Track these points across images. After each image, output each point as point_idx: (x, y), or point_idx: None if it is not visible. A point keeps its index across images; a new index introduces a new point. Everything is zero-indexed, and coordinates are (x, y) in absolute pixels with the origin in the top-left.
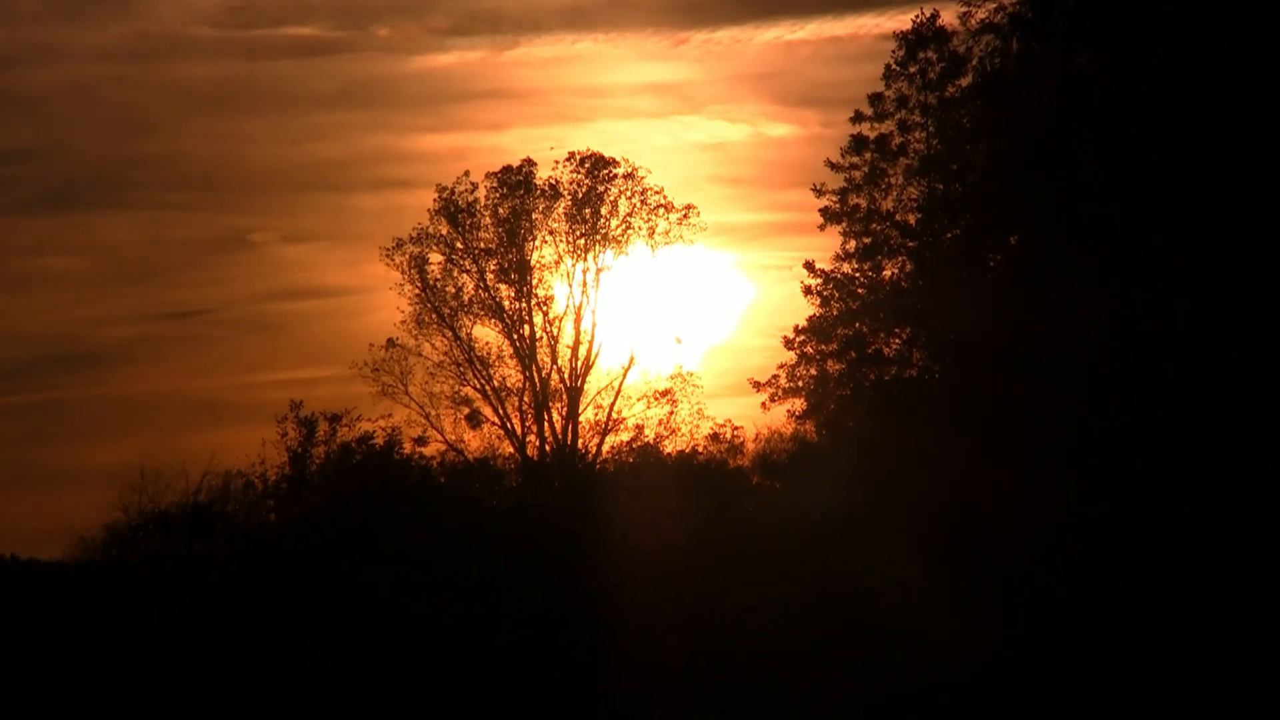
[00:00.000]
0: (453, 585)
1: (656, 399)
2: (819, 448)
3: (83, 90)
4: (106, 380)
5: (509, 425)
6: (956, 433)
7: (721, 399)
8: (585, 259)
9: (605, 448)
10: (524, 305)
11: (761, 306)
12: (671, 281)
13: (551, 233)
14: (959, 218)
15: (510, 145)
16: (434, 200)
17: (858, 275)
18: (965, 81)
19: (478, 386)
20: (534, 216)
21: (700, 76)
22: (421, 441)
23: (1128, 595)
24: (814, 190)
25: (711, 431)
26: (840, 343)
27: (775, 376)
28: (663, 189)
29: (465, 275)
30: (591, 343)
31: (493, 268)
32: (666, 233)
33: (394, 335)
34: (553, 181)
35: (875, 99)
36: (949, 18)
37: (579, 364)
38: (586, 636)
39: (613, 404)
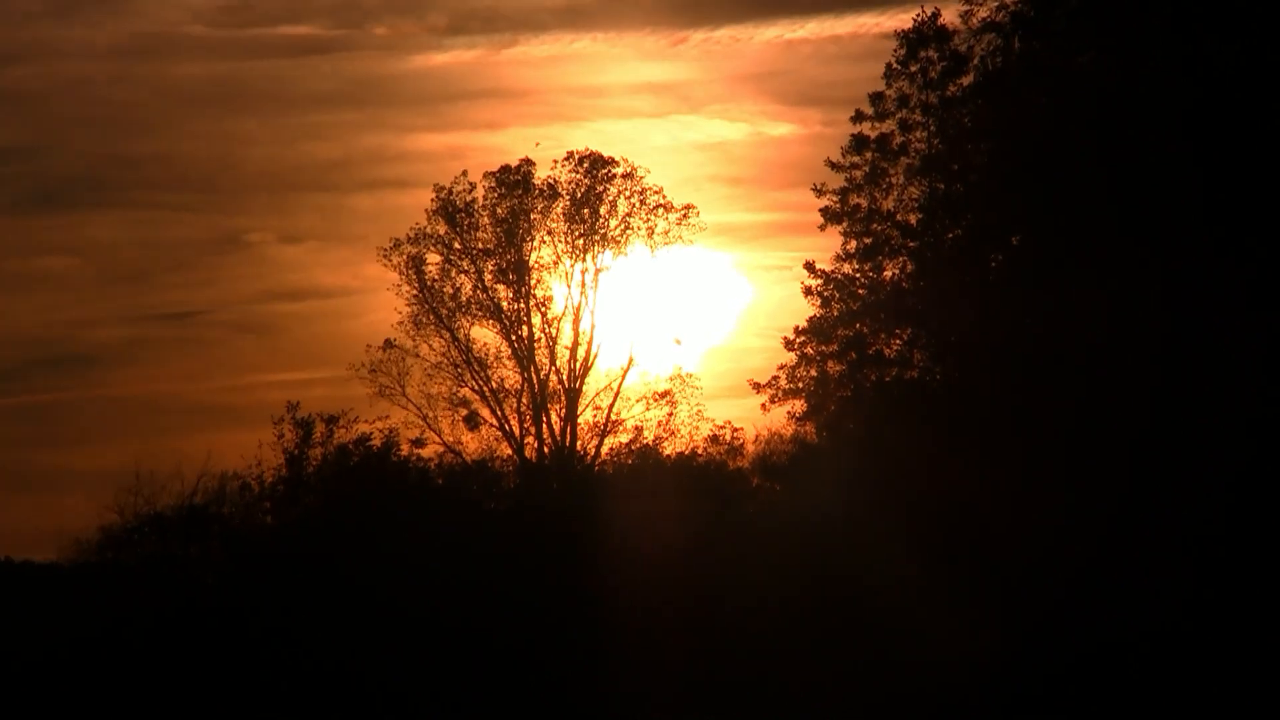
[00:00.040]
0: (450, 588)
1: (656, 400)
2: (819, 449)
3: (77, 89)
4: (101, 382)
5: (507, 427)
6: (957, 434)
7: (721, 400)
8: (584, 259)
9: (604, 449)
10: (522, 306)
11: (761, 307)
12: (671, 282)
13: (550, 233)
14: (960, 218)
15: (508, 145)
16: (431, 200)
17: (858, 276)
18: (967, 80)
19: (476, 388)
20: (532, 216)
21: (699, 75)
22: (419, 443)
23: (1126, 596)
24: (814, 190)
25: (711, 433)
26: (841, 344)
27: (775, 378)
28: (662, 189)
29: (463, 276)
30: (590, 344)
31: (491, 268)
32: (666, 233)
33: (391, 336)
34: (551, 181)
35: (876, 98)
36: (950, 16)
37: (577, 365)
38: (585, 639)
39: (611, 405)
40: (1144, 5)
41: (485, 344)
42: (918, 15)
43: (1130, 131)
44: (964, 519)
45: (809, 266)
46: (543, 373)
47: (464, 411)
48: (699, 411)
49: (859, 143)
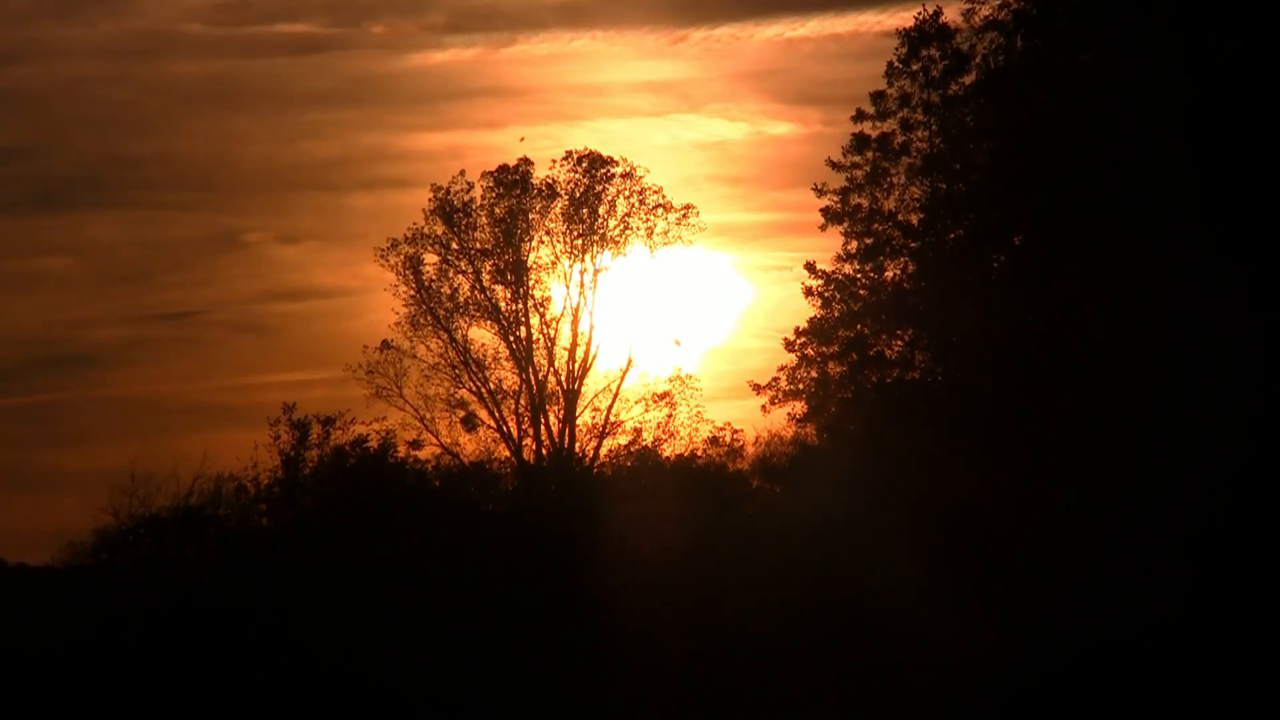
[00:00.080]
0: (448, 590)
1: (655, 402)
2: (820, 451)
3: (74, 88)
4: (97, 382)
5: (505, 428)
6: (959, 435)
7: (720, 401)
8: (583, 259)
9: (603, 451)
10: (520, 306)
11: (760, 308)
12: (670, 282)
13: (548, 233)
14: (962, 218)
15: (507, 144)
16: (429, 200)
17: (859, 276)
18: (968, 79)
19: (473, 389)
20: (531, 216)
21: (699, 74)
22: (416, 445)
23: (1128, 595)
24: (815, 190)
25: (711, 435)
26: (841, 344)
27: (775, 379)
28: (661, 189)
29: (461, 276)
30: (589, 345)
31: (489, 268)
32: (665, 233)
33: (389, 337)
34: (550, 181)
35: (877, 97)
36: (952, 15)
37: (576, 366)
38: (583, 642)
39: (610, 407)
40: (1146, 4)
41: (483, 345)
42: (919, 13)
43: (1132, 130)
44: (965, 520)
45: (809, 267)
46: (541, 374)
47: (461, 413)
48: (698, 413)
49: (860, 142)
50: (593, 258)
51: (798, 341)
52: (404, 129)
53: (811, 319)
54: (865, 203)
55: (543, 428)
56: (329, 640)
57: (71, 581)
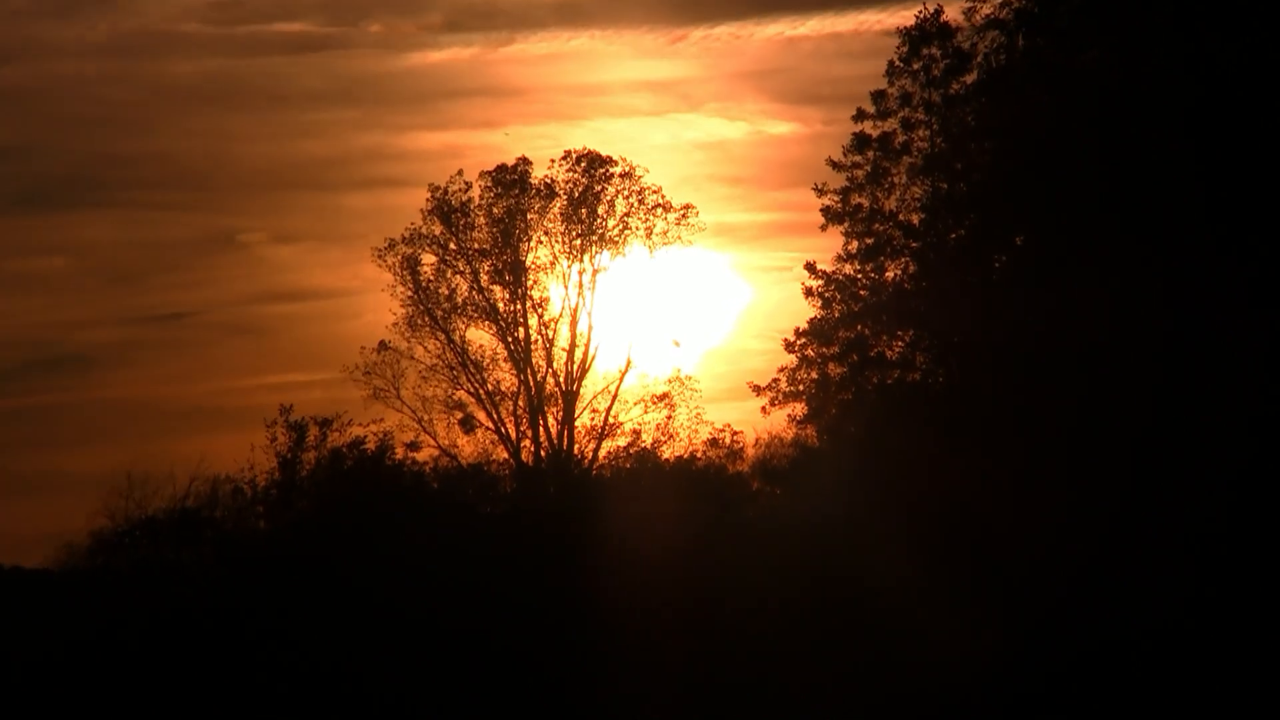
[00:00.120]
0: (446, 593)
1: (654, 403)
2: (820, 453)
3: (69, 87)
4: (91, 384)
5: (503, 430)
6: (959, 436)
7: (720, 403)
8: (581, 260)
9: (602, 453)
10: (519, 307)
11: (760, 308)
12: (669, 283)
13: (547, 233)
14: (963, 218)
15: (505, 144)
16: (427, 200)
17: (860, 277)
18: (970, 78)
19: (471, 390)
20: (529, 216)
21: (699, 73)
22: (414, 446)
23: (1127, 596)
24: (815, 190)
25: (710, 436)
26: (842, 345)
27: (775, 380)
28: (660, 188)
29: (459, 276)
30: (588, 346)
31: (487, 269)
32: (664, 233)
33: (386, 338)
34: (548, 181)
35: (878, 96)
36: (953, 13)
37: (575, 367)
38: (582, 645)
39: (609, 408)
40: (1145, 3)
41: (481, 346)
42: (920, 12)
43: (1132, 130)
44: (966, 520)
45: (810, 267)
46: (539, 375)
47: (459, 414)
48: (698, 414)
49: (861, 141)
50: (591, 258)
51: (798, 342)
52: (401, 128)
53: (812, 320)
54: (866, 203)
55: (541, 429)
56: (327, 643)
57: (67, 584)
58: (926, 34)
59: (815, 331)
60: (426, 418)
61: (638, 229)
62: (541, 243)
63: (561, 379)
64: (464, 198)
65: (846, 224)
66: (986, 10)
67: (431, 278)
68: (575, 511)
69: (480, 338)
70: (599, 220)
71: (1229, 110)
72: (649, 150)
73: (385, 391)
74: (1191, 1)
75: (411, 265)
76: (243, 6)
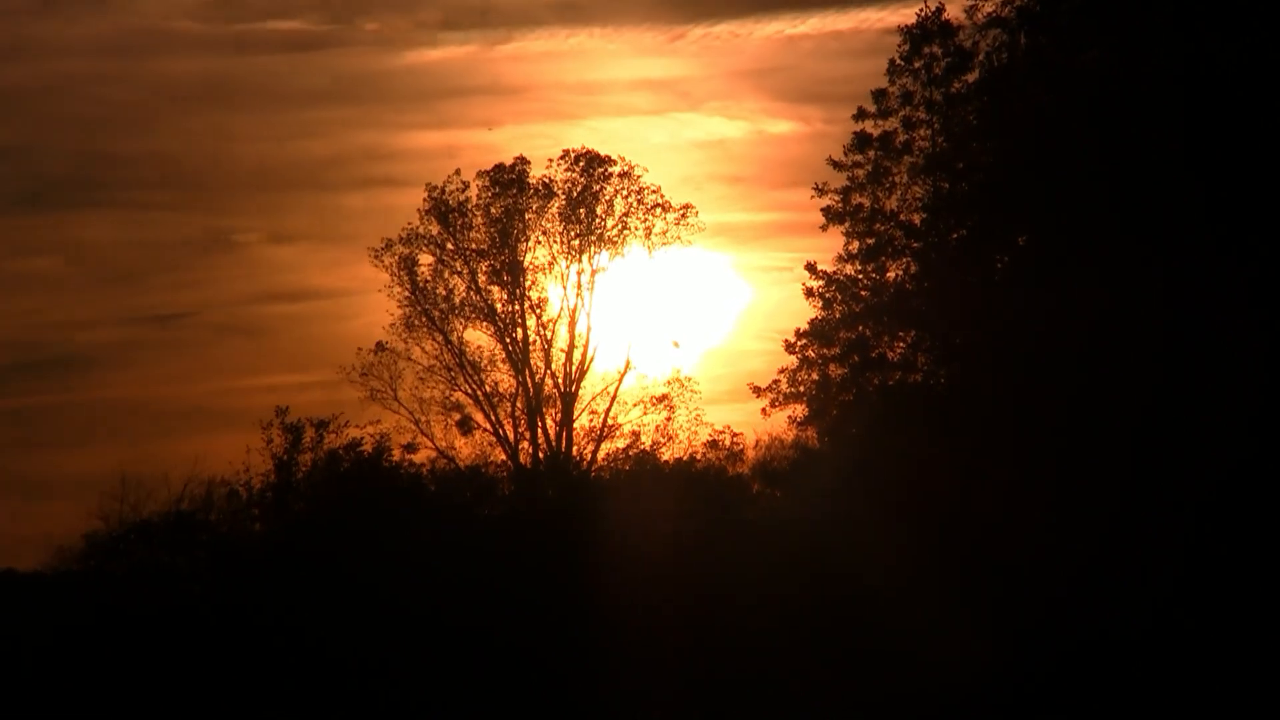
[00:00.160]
0: (444, 594)
1: (653, 404)
2: (820, 454)
3: (63, 86)
4: (85, 386)
5: (501, 432)
6: (962, 439)
7: (719, 404)
8: (580, 260)
9: (600, 455)
10: (517, 308)
11: (760, 309)
12: (668, 283)
13: (545, 233)
14: (965, 218)
15: (503, 143)
16: (424, 199)
17: (860, 277)
18: (972, 77)
19: (469, 392)
20: (527, 216)
21: (698, 72)
22: (411, 448)
23: (1127, 596)
24: (815, 189)
25: (710, 438)
26: (843, 347)
27: (776, 381)
28: (660, 188)
29: (456, 277)
30: (586, 347)
31: (485, 269)
32: (664, 233)
33: (383, 339)
34: (546, 180)
35: (879, 95)
36: (955, 11)
37: (573, 369)
38: (580, 648)
39: (608, 410)
40: (1145, 3)
41: (479, 347)
42: (921, 10)
43: (1132, 129)
44: (967, 521)
45: (810, 268)
46: (538, 376)
47: (457, 416)
48: (697, 416)
49: (861, 141)
50: (590, 258)
51: (798, 343)
52: (398, 127)
53: (812, 320)
54: (867, 202)
55: (540, 431)
56: (324, 646)
57: (60, 588)
58: (928, 32)
59: (816, 332)
60: (424, 419)
61: (637, 229)
62: (540, 243)
63: (560, 380)
64: (461, 197)
65: (847, 224)
66: (988, 8)
67: (429, 278)
68: (574, 512)
69: (478, 339)
70: (598, 220)
71: (1228, 110)
72: (648, 149)
73: (382, 393)
74: (1191, 1)
75: (408, 265)
76: (237, 4)
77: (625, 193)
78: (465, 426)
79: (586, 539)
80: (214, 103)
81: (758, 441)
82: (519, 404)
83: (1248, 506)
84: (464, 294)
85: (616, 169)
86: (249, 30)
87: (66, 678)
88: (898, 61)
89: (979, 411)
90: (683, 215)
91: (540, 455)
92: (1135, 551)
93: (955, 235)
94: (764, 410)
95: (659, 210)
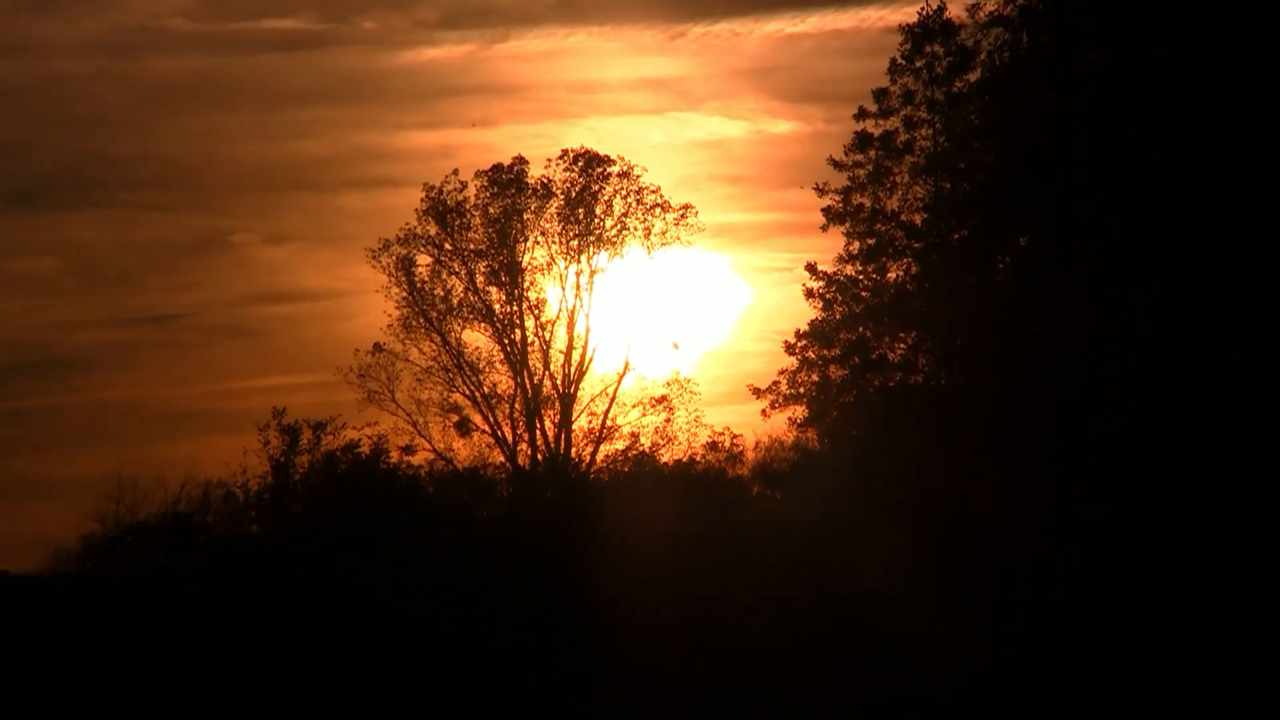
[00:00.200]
0: (442, 597)
1: (652, 406)
2: (821, 456)
3: (55, 85)
4: (80, 387)
5: (499, 433)
6: (963, 441)
7: (718, 405)
8: (578, 261)
9: (599, 457)
10: (515, 309)
11: (759, 309)
12: (668, 284)
13: (543, 233)
14: (967, 218)
15: (500, 142)
16: (421, 200)
17: (861, 278)
18: (973, 77)
19: (467, 393)
20: (525, 216)
21: (698, 71)
22: (409, 450)
23: (1126, 597)
24: (816, 189)
25: (710, 440)
26: (843, 348)
27: (776, 383)
28: (659, 188)
29: (454, 277)
30: (585, 348)
31: (483, 270)
32: (663, 233)
33: (380, 340)
34: (545, 180)
35: (880, 95)
36: (956, 10)
37: (572, 370)
38: (578, 651)
39: (607, 411)
40: (1145, 3)
41: (477, 348)
42: (923, 9)
43: (1132, 130)
44: (967, 523)
45: (811, 268)
46: (536, 378)
47: (455, 418)
48: (697, 417)
49: (862, 140)
50: (589, 259)
51: (798, 344)
52: (395, 127)
53: (813, 321)
54: (868, 202)
55: (538, 433)
56: (321, 648)
57: (56, 590)
58: (929, 31)
59: (816, 333)
60: (422, 421)
61: (636, 229)
62: (538, 243)
63: (559, 381)
64: (459, 197)
65: (848, 224)
66: (990, 7)
67: (426, 279)
68: (573, 514)
69: (476, 340)
70: (596, 220)
71: (1228, 111)
72: (647, 149)
73: (380, 394)
74: (1191, 2)
75: (406, 266)
76: (232, 3)
77: (624, 193)
78: (463, 428)
79: (585, 541)
80: (209, 102)
81: (758, 443)
82: (517, 405)
83: (1246, 507)
84: (462, 295)
85: (615, 169)
86: (244, 29)
87: (63, 680)
88: (899, 60)
89: (978, 412)
90: (682, 215)
91: (539, 457)
92: (1134, 552)
93: (956, 236)
94: (764, 412)
95: (658, 210)
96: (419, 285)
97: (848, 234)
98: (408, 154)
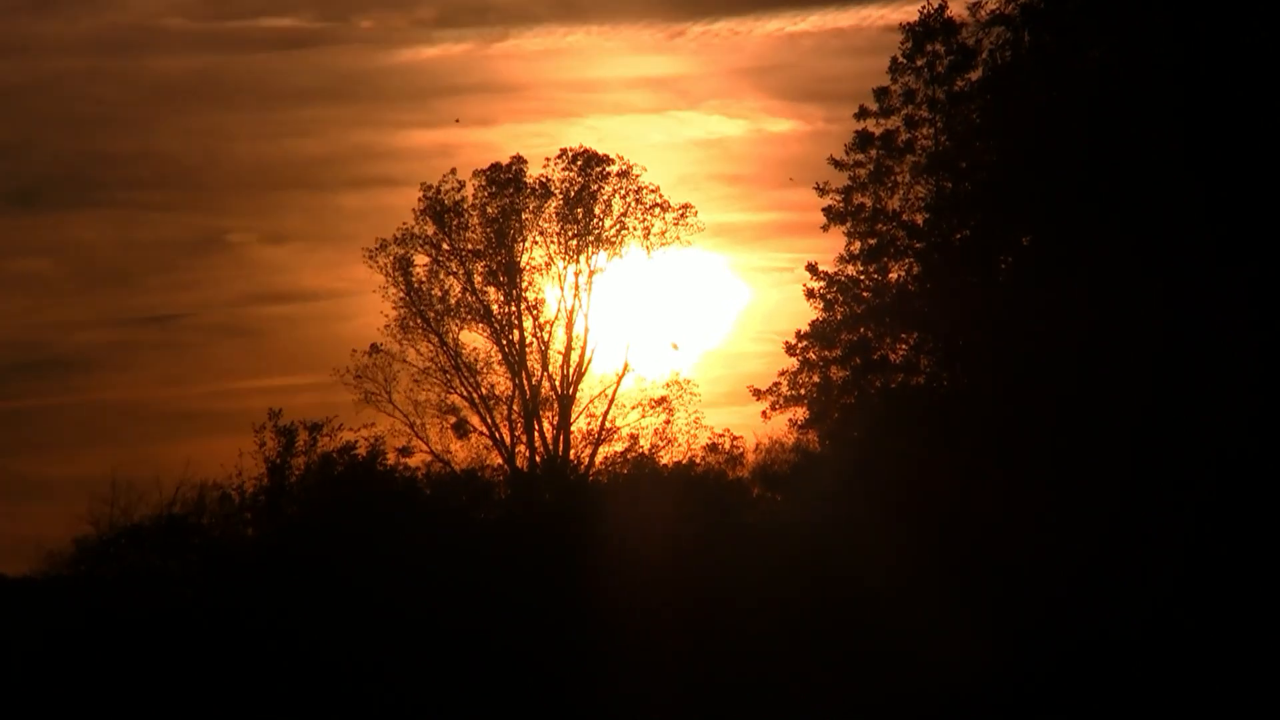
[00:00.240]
0: (440, 599)
1: (652, 407)
2: (822, 458)
3: (52, 84)
4: (76, 388)
5: (497, 435)
6: (965, 441)
7: (717, 407)
8: (577, 261)
9: (598, 459)
10: (513, 309)
11: (759, 310)
12: (667, 284)
13: (542, 233)
14: (968, 218)
15: (499, 142)
16: (419, 199)
17: (862, 278)
18: (975, 75)
19: (465, 394)
20: (524, 216)
21: (698, 70)
22: (406, 452)
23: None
24: (817, 189)
25: (710, 441)
26: (844, 348)
27: (776, 384)
28: (658, 188)
29: (452, 278)
30: (584, 348)
31: (481, 270)
32: (662, 233)
33: (377, 340)
34: (543, 180)
35: (881, 93)
36: (958, 9)
37: (570, 371)
38: (577, 654)
39: (606, 413)
40: (1146, 3)
41: (475, 348)
42: (924, 7)
43: (1133, 129)
44: (968, 524)
45: (811, 268)
46: (534, 379)
47: (453, 419)
48: (697, 419)
49: (863, 140)
50: (588, 259)
51: (799, 345)
52: (393, 126)
53: (813, 322)
54: (869, 202)
55: (536, 434)
56: (318, 651)
57: (50, 593)
58: (930, 30)
59: (817, 334)
60: (419, 422)
61: (635, 229)
62: (536, 243)
63: (557, 383)
64: (457, 197)
65: (849, 224)
66: (992, 5)
67: (424, 279)
68: (572, 516)
69: (474, 340)
70: (595, 220)
71: (1229, 111)
72: (646, 148)
73: (377, 395)
74: (1193, 1)
75: (403, 266)
76: (230, 2)
77: (623, 192)
78: (461, 429)
79: (584, 543)
80: (207, 101)
81: (758, 445)
82: (515, 407)
83: (1247, 506)
84: (460, 295)
85: (614, 168)
86: (242, 28)
87: (57, 683)
88: (900, 59)
89: (980, 412)
90: (681, 215)
91: (537, 459)
92: (1135, 551)
93: (958, 235)
94: (764, 413)
95: (657, 210)
96: (416, 285)
97: (849, 234)
98: (406, 153)
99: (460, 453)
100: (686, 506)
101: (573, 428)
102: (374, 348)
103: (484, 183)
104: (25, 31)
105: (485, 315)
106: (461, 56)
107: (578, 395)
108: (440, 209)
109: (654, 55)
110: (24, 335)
